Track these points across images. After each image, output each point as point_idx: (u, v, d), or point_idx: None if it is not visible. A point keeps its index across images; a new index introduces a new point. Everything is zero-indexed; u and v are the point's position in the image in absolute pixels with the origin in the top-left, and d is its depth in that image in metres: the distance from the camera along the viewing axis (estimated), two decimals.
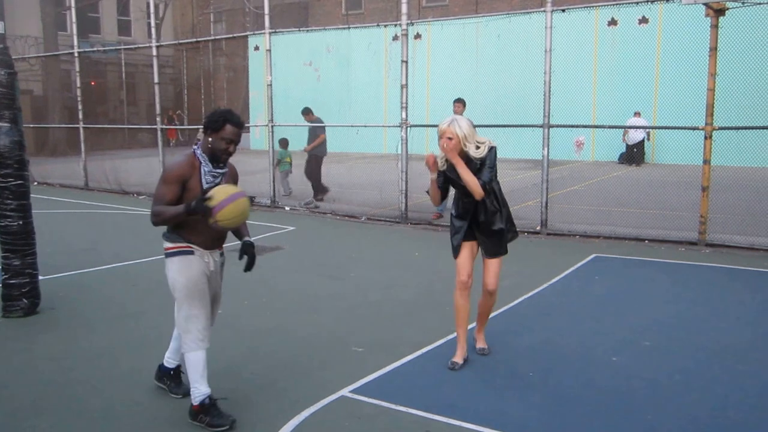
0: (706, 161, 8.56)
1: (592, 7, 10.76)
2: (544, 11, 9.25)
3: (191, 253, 3.79)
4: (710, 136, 8.46)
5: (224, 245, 4.02)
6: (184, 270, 3.77)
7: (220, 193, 3.56)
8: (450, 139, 4.49)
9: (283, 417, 3.96)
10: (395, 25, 11.24)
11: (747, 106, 16.12)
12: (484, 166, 4.54)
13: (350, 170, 16.58)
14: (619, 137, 21.05)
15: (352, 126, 13.06)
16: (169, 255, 3.81)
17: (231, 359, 4.91)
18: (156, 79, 14.00)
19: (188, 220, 3.67)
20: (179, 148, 22.49)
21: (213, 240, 3.86)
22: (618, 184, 14.86)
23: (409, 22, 10.46)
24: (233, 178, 3.97)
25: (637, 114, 19.77)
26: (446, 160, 4.62)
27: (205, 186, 3.72)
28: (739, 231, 9.08)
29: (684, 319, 5.85)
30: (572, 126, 9.16)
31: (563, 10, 9.47)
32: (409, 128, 10.50)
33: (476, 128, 4.63)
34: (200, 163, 3.76)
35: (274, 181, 12.51)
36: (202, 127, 3.80)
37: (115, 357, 4.96)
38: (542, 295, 6.60)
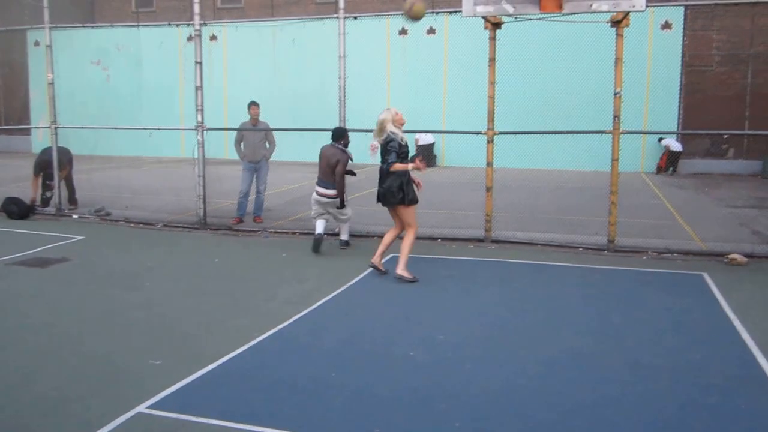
0: (489, 164, 9.28)
1: (383, 15, 11.21)
2: (337, 18, 9.46)
3: None
4: (492, 141, 9.17)
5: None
6: None
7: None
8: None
9: None
10: (188, 25, 10.90)
11: (525, 112, 17.72)
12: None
13: (145, 175, 15.80)
14: (412, 141, 22.16)
15: (144, 128, 12.46)
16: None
17: (11, 381, 4.48)
18: None
19: None
20: None
21: None
22: None
23: (202, 22, 10.18)
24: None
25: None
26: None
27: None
28: (519, 227, 9.95)
29: (474, 311, 6.28)
30: (367, 131, 9.42)
31: (355, 18, 9.75)
32: (205, 131, 10.22)
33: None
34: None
35: (59, 187, 11.55)
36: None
37: None
38: (343, 296, 6.73)
